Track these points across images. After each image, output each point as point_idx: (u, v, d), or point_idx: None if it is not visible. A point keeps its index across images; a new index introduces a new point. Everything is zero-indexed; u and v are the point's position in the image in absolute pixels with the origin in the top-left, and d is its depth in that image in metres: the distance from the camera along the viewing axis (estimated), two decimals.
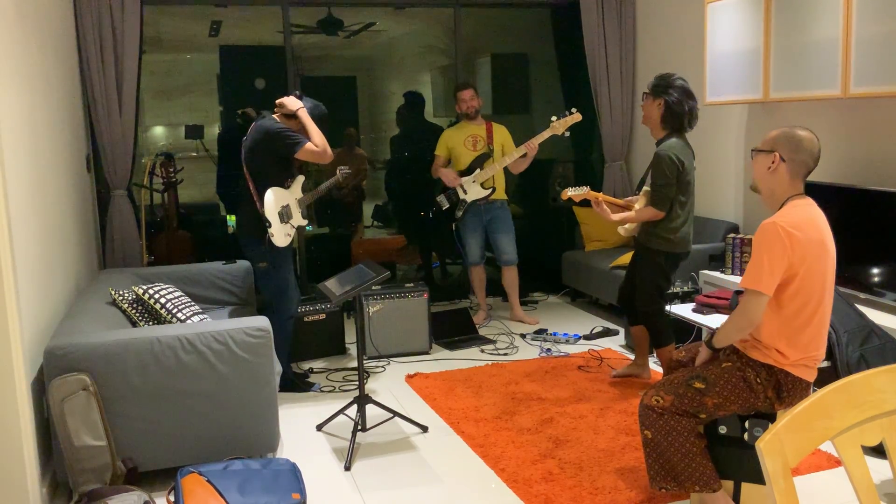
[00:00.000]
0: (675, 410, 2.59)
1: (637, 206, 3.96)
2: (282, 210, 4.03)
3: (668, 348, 4.02)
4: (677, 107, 3.77)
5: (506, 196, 5.45)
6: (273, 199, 3.97)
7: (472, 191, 5.29)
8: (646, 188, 3.95)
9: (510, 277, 5.53)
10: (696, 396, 2.58)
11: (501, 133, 5.40)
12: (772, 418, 2.63)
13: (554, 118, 4.90)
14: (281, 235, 4.02)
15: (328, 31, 6.98)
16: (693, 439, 2.59)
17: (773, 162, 2.57)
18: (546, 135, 4.96)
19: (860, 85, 3.67)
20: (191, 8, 6.14)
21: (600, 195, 3.97)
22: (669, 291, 4.63)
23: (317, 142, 3.97)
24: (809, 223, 2.49)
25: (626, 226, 4.06)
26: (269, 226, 3.96)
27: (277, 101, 4.09)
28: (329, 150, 4.00)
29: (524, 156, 5.11)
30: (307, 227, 4.30)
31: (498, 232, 5.41)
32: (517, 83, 7.14)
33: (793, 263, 2.46)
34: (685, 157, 3.79)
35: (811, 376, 2.60)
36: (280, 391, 3.90)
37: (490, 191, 5.28)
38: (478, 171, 5.25)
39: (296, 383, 4.28)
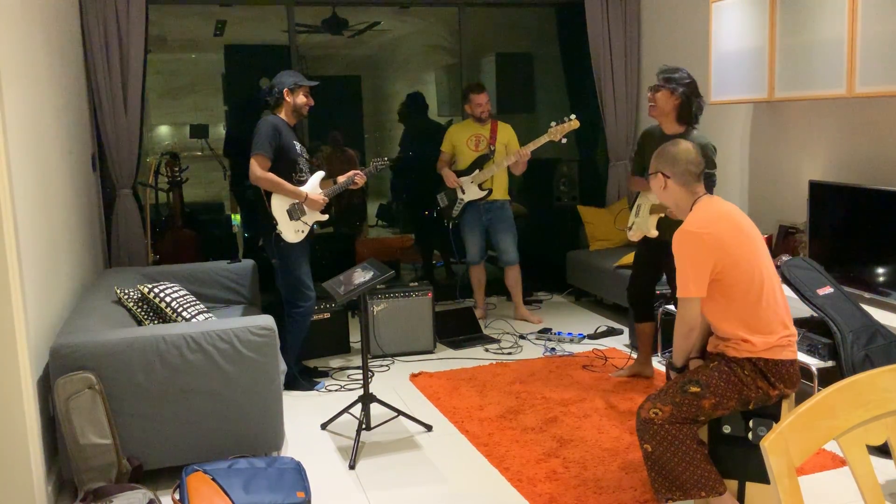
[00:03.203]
0: (675, 419, 2.60)
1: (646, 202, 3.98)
2: (290, 207, 4.04)
3: None
4: (691, 102, 3.79)
5: (508, 196, 5.45)
6: (280, 198, 3.99)
7: (470, 191, 5.32)
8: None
9: (512, 277, 5.54)
10: (693, 401, 2.60)
11: (506, 132, 5.39)
12: (776, 417, 2.63)
13: (553, 124, 4.93)
14: (290, 232, 4.04)
15: (333, 30, 6.99)
16: (695, 446, 2.59)
17: (662, 181, 2.77)
18: (542, 140, 5.00)
19: (866, 84, 3.67)
20: (196, 8, 6.16)
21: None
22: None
23: (262, 167, 3.94)
24: (717, 217, 2.65)
25: (634, 229, 4.08)
26: (276, 224, 3.98)
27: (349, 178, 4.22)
28: (258, 177, 3.96)
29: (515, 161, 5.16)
30: (313, 226, 4.29)
31: (499, 232, 5.42)
32: (522, 82, 7.14)
33: (717, 259, 2.58)
34: None
35: (791, 354, 2.64)
36: (284, 389, 3.90)
37: (487, 192, 5.31)
38: (476, 171, 5.28)
39: (300, 381, 4.29)
